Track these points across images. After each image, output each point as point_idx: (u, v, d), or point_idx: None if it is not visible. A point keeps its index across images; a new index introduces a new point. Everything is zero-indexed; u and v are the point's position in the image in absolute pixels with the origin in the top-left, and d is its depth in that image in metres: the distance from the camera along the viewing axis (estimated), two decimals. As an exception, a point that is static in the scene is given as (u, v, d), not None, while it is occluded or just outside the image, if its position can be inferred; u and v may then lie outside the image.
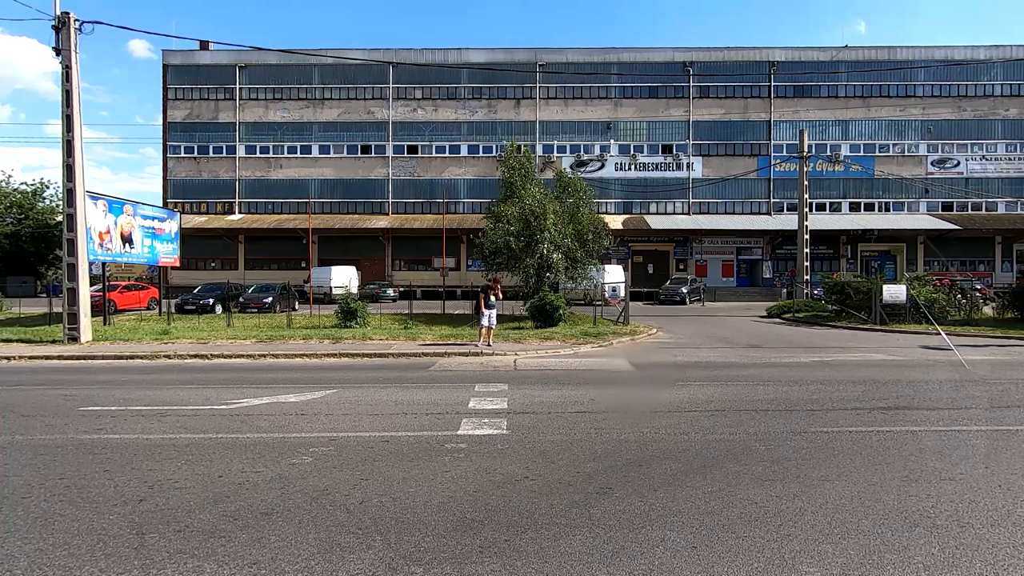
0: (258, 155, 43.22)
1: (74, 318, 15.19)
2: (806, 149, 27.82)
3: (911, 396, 8.28)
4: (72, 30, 14.86)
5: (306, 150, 43.17)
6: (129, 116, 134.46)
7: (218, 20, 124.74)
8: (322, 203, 42.66)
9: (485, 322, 14.41)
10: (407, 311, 21.06)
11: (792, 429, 6.42)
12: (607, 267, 29.18)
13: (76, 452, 5.70)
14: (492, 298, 14.75)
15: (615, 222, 36.31)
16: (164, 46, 51.13)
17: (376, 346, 14.60)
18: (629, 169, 42.53)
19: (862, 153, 42.15)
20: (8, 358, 13.14)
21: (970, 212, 41.90)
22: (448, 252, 37.81)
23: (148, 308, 27.75)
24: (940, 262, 40.16)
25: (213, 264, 42.78)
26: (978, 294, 23.89)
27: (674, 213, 42.60)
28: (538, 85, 42.17)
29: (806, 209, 27.61)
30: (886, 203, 42.35)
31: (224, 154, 43.17)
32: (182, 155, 43.29)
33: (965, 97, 41.86)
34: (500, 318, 18.07)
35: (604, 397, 8.39)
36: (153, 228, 22.60)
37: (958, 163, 41.99)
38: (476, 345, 14.36)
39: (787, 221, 38.36)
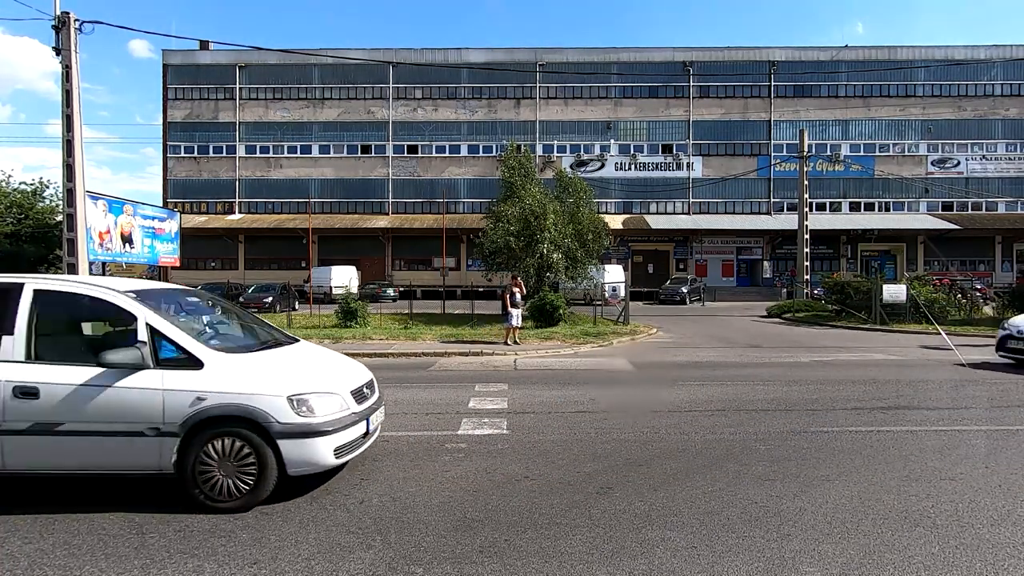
0: (258, 155, 43.24)
1: (74, 318, 15.16)
2: (806, 149, 27.84)
3: (911, 396, 8.28)
4: (72, 30, 14.86)
5: (306, 150, 43.19)
6: (129, 116, 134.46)
7: (218, 20, 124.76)
8: (322, 203, 42.68)
9: (514, 321, 14.69)
10: (407, 311, 21.06)
11: (792, 429, 6.41)
12: (607, 267, 29.18)
13: (76, 452, 5.69)
14: (518, 296, 15.00)
15: (615, 222, 36.31)
16: (164, 46, 51.19)
17: (376, 346, 14.60)
18: (629, 169, 42.53)
19: (862, 153, 42.16)
20: (8, 358, 13.11)
21: (970, 212, 41.91)
22: (448, 252, 37.81)
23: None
24: (940, 262, 40.17)
25: (213, 264, 42.79)
26: (978, 294, 23.91)
27: (674, 213, 42.61)
28: (538, 85, 42.18)
29: (806, 209, 27.62)
30: (886, 203, 42.36)
31: (224, 154, 43.20)
32: (182, 155, 43.31)
33: (965, 97, 41.87)
34: (499, 318, 18.06)
35: (604, 397, 8.39)
36: (153, 228, 22.61)
37: (958, 163, 42.00)
38: (506, 344, 14.53)
39: (787, 221, 38.38)
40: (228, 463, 4.13)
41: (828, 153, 41.74)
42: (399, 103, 42.90)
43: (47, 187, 50.34)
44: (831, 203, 42.27)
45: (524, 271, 20.45)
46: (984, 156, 41.99)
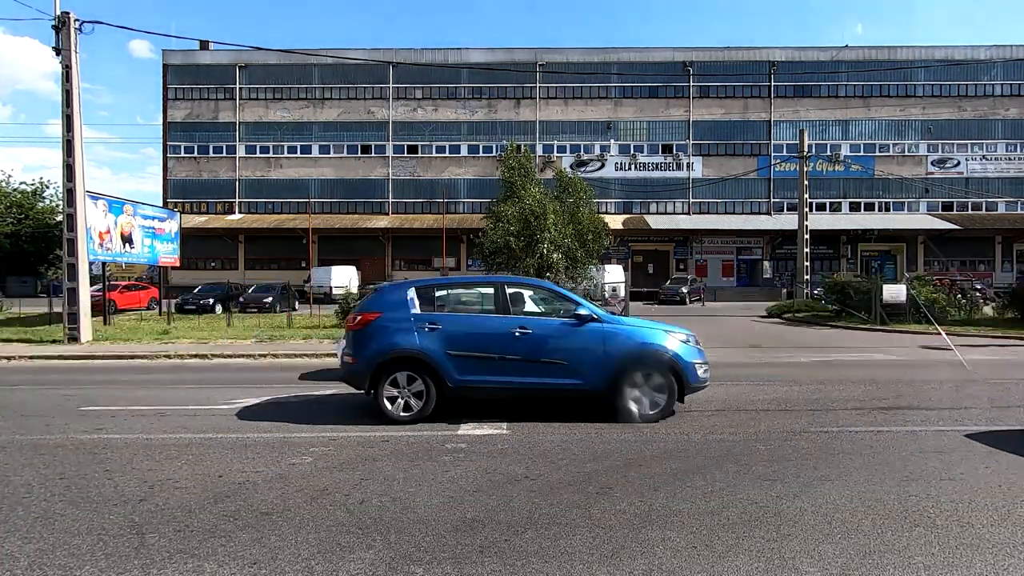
0: (258, 155, 43.23)
1: (74, 318, 15.19)
2: (806, 149, 27.83)
3: (911, 396, 8.28)
4: (72, 30, 14.87)
5: (306, 150, 43.18)
6: (130, 116, 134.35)
7: (218, 20, 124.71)
8: (322, 203, 42.66)
9: None
10: (407, 311, 21.00)
11: (792, 429, 6.41)
12: (607, 267, 29.14)
13: (76, 452, 5.70)
14: None
15: (615, 222, 36.28)
16: (164, 46, 51.14)
17: (376, 346, 14.58)
18: (629, 169, 42.53)
19: (862, 153, 42.15)
20: (8, 358, 13.14)
21: (970, 212, 41.91)
22: (448, 252, 37.87)
23: (148, 308, 27.77)
24: (940, 262, 40.16)
25: (213, 264, 42.78)
26: (978, 294, 23.87)
27: (674, 213, 42.60)
28: (538, 85, 42.17)
29: (806, 209, 27.61)
30: (886, 203, 42.36)
31: (224, 154, 43.18)
32: (182, 155, 43.30)
33: (965, 97, 41.86)
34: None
35: (604, 397, 8.36)
36: (153, 228, 22.60)
37: (958, 163, 41.99)
38: None
39: (787, 221, 38.36)
40: None
41: (828, 153, 41.72)
42: (399, 103, 42.88)
43: (47, 187, 50.50)
44: (831, 203, 42.26)
45: (524, 271, 20.44)
46: (984, 156, 41.98)
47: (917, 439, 6.01)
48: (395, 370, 6.70)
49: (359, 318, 7.02)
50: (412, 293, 7.03)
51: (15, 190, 48.78)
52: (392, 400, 6.70)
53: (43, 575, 3.29)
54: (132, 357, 13.18)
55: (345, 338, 7.41)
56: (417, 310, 6.91)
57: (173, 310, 23.58)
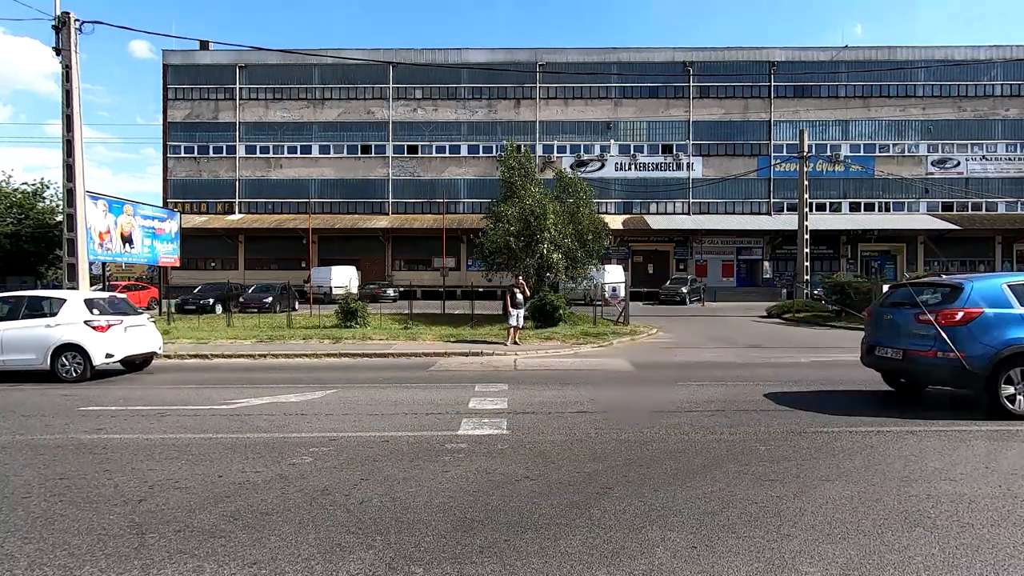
0: (258, 155, 43.25)
1: (74, 318, 15.16)
2: (806, 149, 27.81)
3: (911, 396, 8.27)
4: (72, 30, 14.87)
5: (306, 150, 43.20)
6: (130, 116, 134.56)
7: (218, 20, 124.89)
8: (322, 203, 42.69)
9: (513, 322, 14.70)
10: (407, 311, 21.06)
11: (792, 429, 6.41)
12: (607, 267, 29.19)
13: (76, 452, 5.70)
14: (519, 296, 15.02)
15: (615, 222, 36.31)
16: (164, 46, 51.18)
17: (376, 346, 14.60)
18: (629, 169, 42.53)
19: (862, 153, 42.17)
20: (8, 358, 13.11)
21: (970, 212, 41.92)
22: (448, 252, 37.80)
23: (148, 308, 27.75)
24: (940, 262, 40.16)
25: (213, 264, 42.80)
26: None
27: (674, 213, 42.61)
28: (538, 85, 42.18)
29: (806, 209, 27.60)
30: (886, 203, 42.37)
31: (224, 154, 43.20)
32: (182, 155, 43.31)
33: (965, 97, 41.87)
34: (499, 318, 18.08)
35: (604, 397, 8.38)
36: (153, 228, 22.60)
37: (958, 163, 42.00)
38: (507, 345, 14.52)
39: (787, 221, 38.37)
40: None
41: (828, 153, 41.72)
42: (399, 103, 42.89)
43: (47, 187, 50.38)
44: (831, 203, 42.27)
45: (524, 271, 20.46)
46: (984, 156, 41.99)
47: (917, 439, 6.01)
48: (1013, 366, 6.76)
49: (961, 314, 6.99)
50: (1006, 288, 7.02)
51: (15, 190, 48.70)
52: (1012, 397, 6.78)
53: (43, 575, 3.30)
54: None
55: (926, 333, 7.26)
56: (1019, 305, 6.92)
57: (173, 310, 23.57)
